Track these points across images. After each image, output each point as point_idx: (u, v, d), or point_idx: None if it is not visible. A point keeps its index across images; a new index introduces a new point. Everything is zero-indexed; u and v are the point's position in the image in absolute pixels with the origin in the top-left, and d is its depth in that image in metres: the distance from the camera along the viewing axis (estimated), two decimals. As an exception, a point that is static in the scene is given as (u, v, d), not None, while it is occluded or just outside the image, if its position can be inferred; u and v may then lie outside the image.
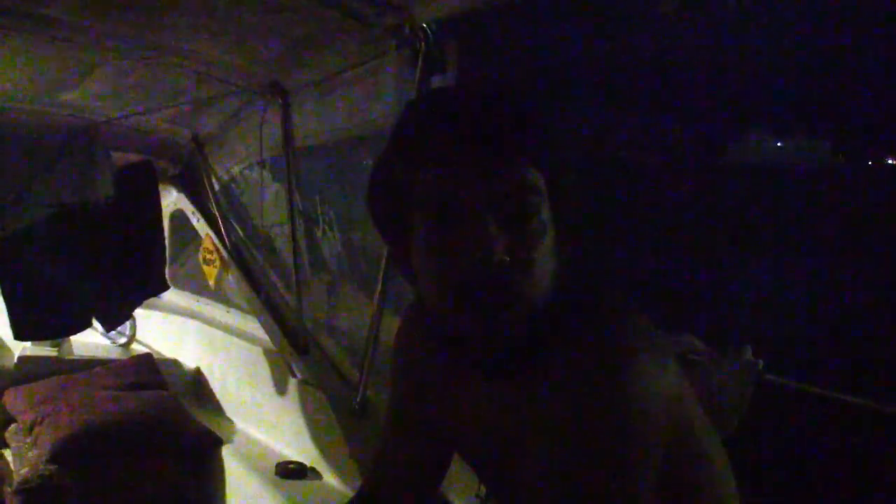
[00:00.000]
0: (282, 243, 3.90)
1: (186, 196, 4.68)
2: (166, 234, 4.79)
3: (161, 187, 4.62)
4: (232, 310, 4.76)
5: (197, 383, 4.87)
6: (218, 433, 3.94)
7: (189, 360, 4.97)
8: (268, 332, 4.03)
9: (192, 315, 5.13)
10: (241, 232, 4.32)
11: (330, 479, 3.47)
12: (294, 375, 3.79)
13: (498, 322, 1.11)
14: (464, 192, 1.08)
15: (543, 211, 1.11)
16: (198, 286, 5.08)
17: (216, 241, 4.39)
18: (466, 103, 1.14)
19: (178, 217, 4.93)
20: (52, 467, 3.44)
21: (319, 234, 3.55)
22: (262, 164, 3.89)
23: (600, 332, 1.13)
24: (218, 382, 4.73)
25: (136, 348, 5.27)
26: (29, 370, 4.39)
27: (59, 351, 4.77)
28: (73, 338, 4.85)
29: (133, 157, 4.46)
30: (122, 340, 5.35)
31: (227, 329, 4.71)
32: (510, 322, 1.11)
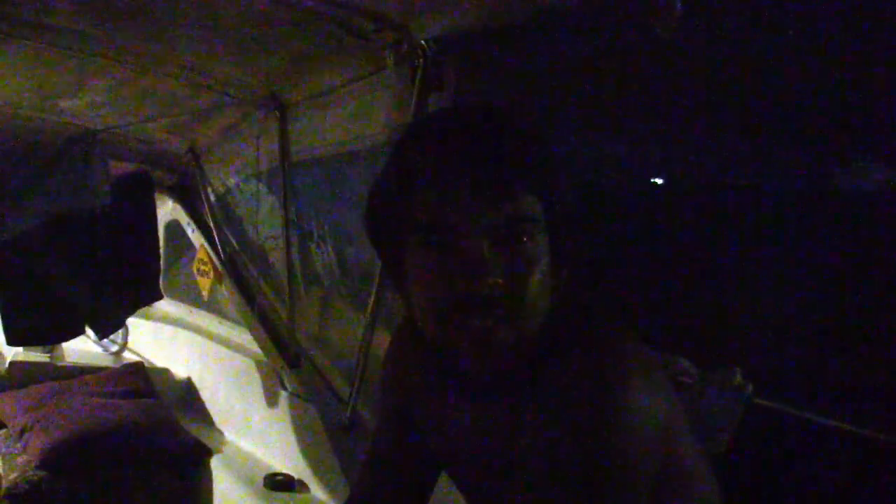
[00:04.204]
0: (276, 256, 3.90)
1: (182, 206, 4.68)
2: (161, 243, 4.79)
3: (157, 197, 4.63)
4: (224, 321, 4.77)
5: (188, 393, 4.87)
6: (207, 443, 3.93)
7: (180, 370, 4.97)
8: (260, 344, 4.03)
9: (185, 325, 5.14)
10: (235, 244, 4.32)
11: (318, 492, 3.47)
12: (285, 388, 3.80)
13: (489, 345, 1.11)
14: (458, 216, 1.08)
15: (538, 236, 1.11)
16: (191, 296, 5.08)
17: (210, 252, 4.40)
18: (464, 130, 1.14)
19: (174, 227, 4.93)
20: (42, 473, 3.43)
21: (313, 247, 3.55)
22: (258, 176, 3.89)
23: (593, 356, 1.13)
24: (209, 393, 4.73)
25: (128, 356, 5.28)
26: (20, 375, 4.39)
27: (50, 357, 4.78)
28: (65, 344, 4.85)
29: (130, 166, 4.46)
30: (115, 348, 5.35)
31: (220, 340, 4.71)
32: (501, 345, 1.11)
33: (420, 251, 1.13)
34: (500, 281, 1.08)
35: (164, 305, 5.25)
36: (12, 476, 3.46)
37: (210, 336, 4.84)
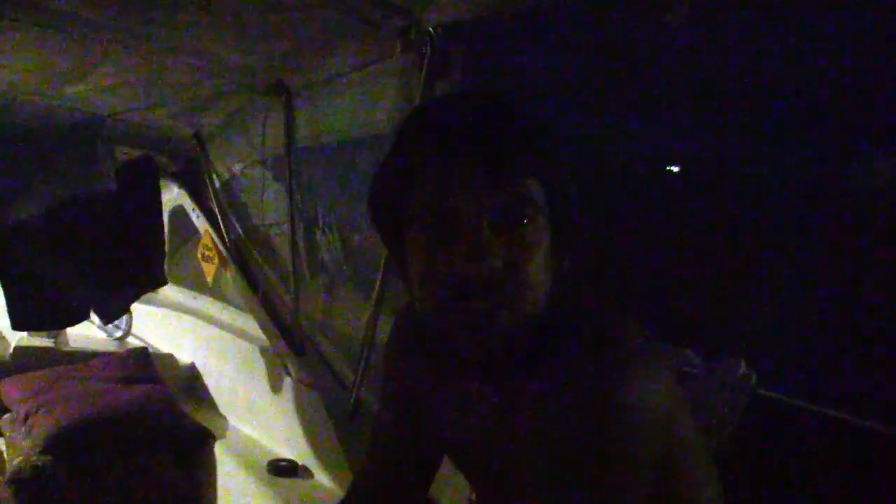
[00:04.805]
0: (281, 243, 3.90)
1: (187, 192, 4.68)
2: (165, 229, 4.79)
3: (162, 183, 4.63)
4: (229, 307, 4.77)
5: (192, 379, 4.88)
6: (211, 429, 3.94)
7: (184, 356, 4.98)
8: (264, 330, 4.04)
9: (189, 311, 5.14)
10: (240, 230, 4.32)
11: (321, 478, 3.48)
12: (289, 374, 3.80)
13: (489, 329, 1.11)
14: (459, 201, 1.08)
15: (539, 221, 1.11)
16: (195, 283, 5.08)
17: (215, 238, 4.40)
18: (467, 114, 1.14)
19: (178, 213, 4.93)
20: (45, 458, 3.44)
21: (318, 234, 3.56)
22: (263, 162, 3.89)
23: (594, 343, 1.13)
24: (213, 379, 4.74)
25: (132, 342, 5.28)
26: (25, 360, 4.40)
27: (55, 342, 4.77)
28: (69, 330, 4.85)
29: (135, 152, 4.46)
30: (119, 334, 5.35)
31: (224, 326, 4.71)
32: (502, 329, 1.11)
33: (420, 234, 1.13)
34: (499, 264, 1.08)
35: (169, 291, 5.25)
36: (16, 460, 3.46)
37: (214, 322, 4.84)
